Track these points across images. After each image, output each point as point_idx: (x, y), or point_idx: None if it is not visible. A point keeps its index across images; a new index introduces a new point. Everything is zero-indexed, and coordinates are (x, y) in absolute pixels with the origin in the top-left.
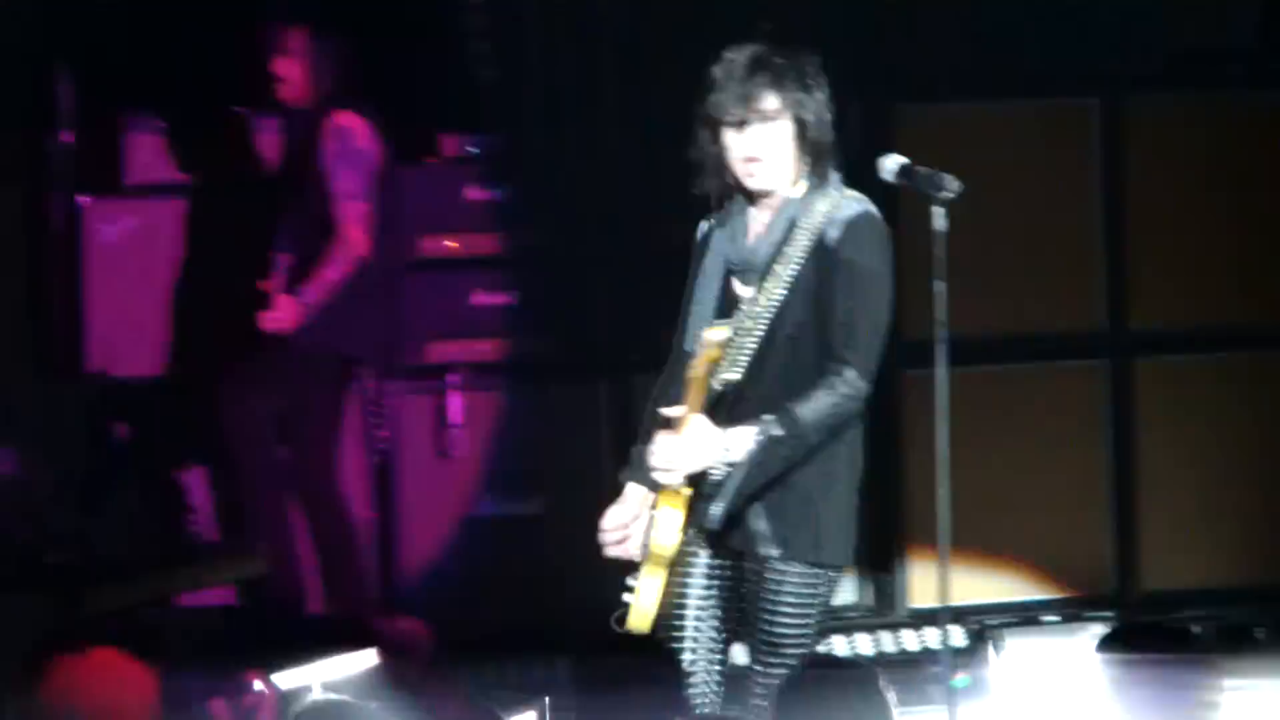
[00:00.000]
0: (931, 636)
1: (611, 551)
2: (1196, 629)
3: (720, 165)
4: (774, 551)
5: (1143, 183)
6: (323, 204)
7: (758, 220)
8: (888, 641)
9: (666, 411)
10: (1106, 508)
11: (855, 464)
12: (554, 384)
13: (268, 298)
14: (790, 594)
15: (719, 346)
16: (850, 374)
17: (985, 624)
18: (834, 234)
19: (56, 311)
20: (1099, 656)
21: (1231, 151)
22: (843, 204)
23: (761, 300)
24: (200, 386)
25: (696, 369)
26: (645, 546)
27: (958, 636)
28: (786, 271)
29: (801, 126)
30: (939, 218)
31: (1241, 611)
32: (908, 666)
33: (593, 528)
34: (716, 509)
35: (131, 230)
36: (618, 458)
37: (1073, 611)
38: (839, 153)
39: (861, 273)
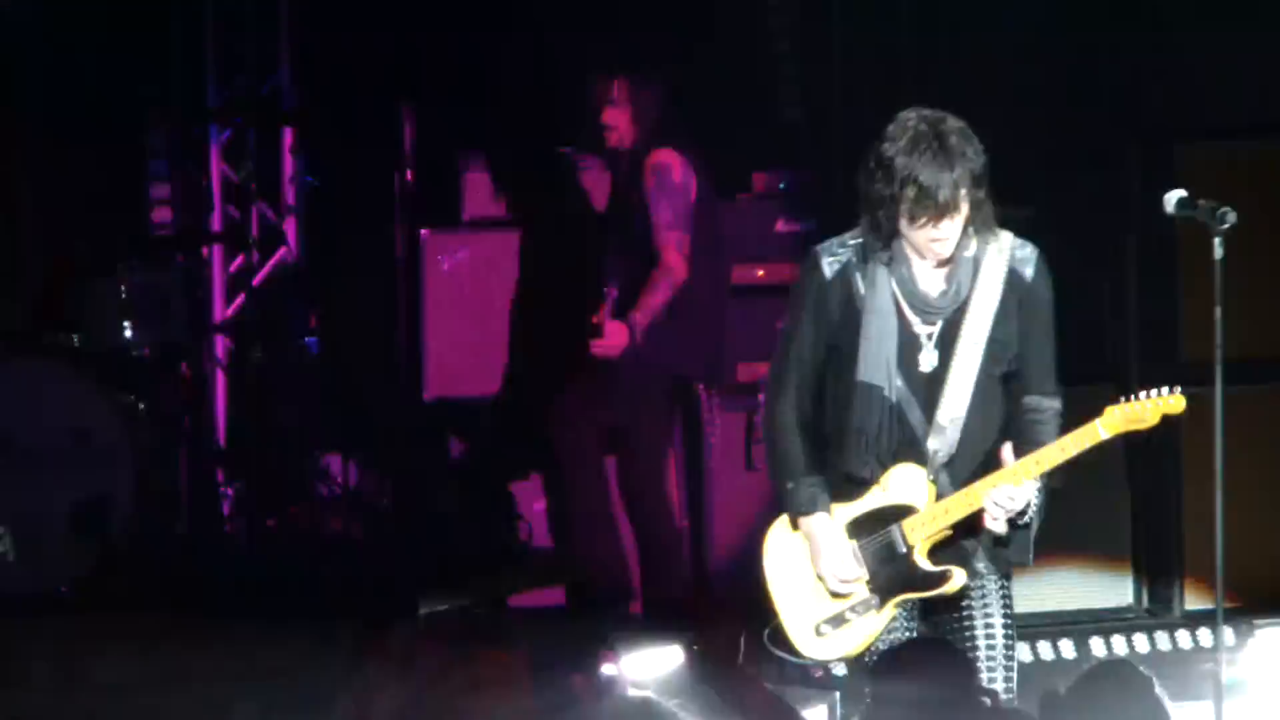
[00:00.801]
0: (1204, 636)
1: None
2: None
3: (895, 225)
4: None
5: None
6: (645, 235)
7: (927, 270)
8: (1162, 641)
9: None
10: None
11: None
12: None
13: (599, 325)
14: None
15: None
16: (1059, 404)
17: (1254, 624)
18: (1028, 271)
19: (401, 337)
20: None
21: None
22: (1016, 242)
23: (968, 338)
24: (534, 406)
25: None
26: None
27: (1229, 636)
28: (988, 308)
29: (977, 206)
30: (1218, 247)
31: None
32: (1180, 664)
33: None
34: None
35: (468, 261)
36: None
37: None
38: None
39: (1049, 306)
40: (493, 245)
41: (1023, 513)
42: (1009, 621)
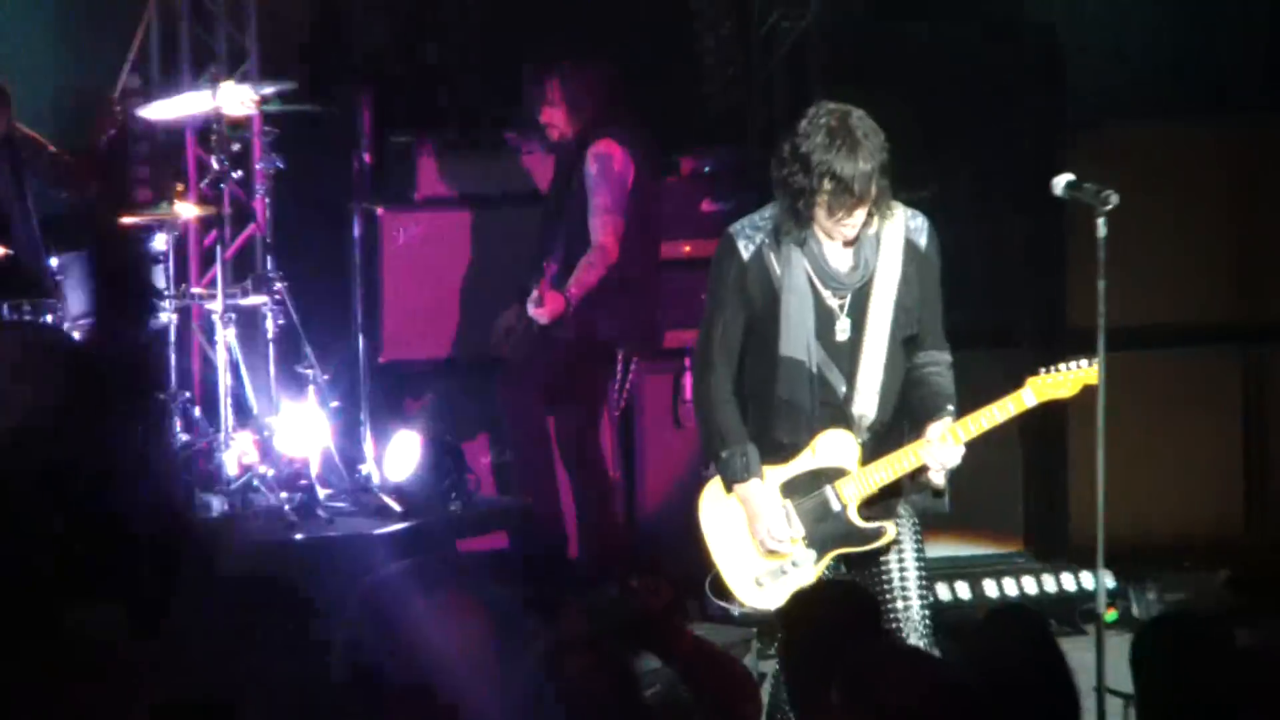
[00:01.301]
0: (1086, 579)
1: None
2: None
3: (811, 213)
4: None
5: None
6: (584, 217)
7: (835, 248)
8: (1049, 583)
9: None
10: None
11: None
12: None
13: (540, 295)
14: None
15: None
16: (950, 356)
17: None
18: (922, 240)
19: (362, 300)
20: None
21: None
22: (908, 213)
23: (876, 308)
24: (479, 367)
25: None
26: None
27: (1109, 578)
28: (891, 279)
29: (881, 190)
30: (1101, 226)
31: None
32: (1065, 604)
33: None
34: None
35: (420, 236)
36: None
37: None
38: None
39: (939, 270)
40: (444, 222)
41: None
42: (922, 559)
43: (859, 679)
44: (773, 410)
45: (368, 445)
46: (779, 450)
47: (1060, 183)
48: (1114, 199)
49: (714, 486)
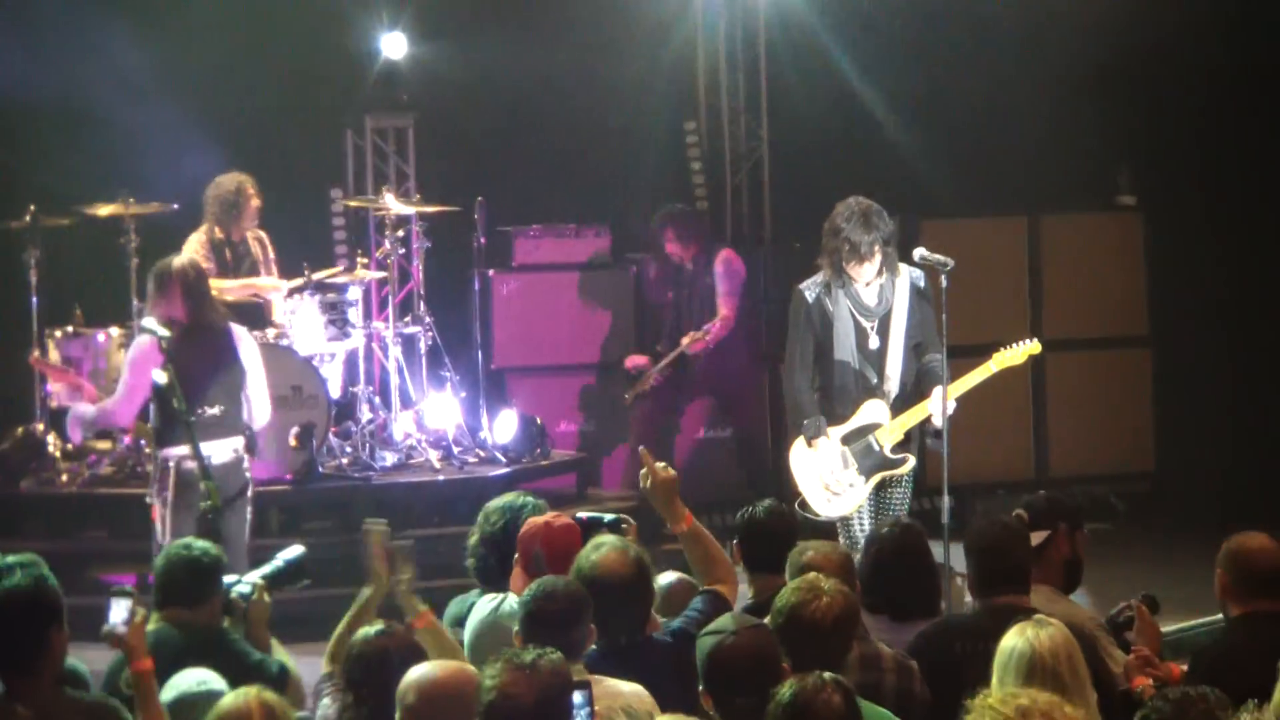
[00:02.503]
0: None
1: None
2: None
3: (843, 268)
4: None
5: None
6: (712, 295)
7: (868, 291)
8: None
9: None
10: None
11: None
12: None
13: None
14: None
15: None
16: (941, 356)
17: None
18: (921, 284)
19: (480, 329)
20: None
21: None
22: (912, 270)
23: (895, 328)
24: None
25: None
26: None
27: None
28: (903, 309)
29: (887, 255)
30: (944, 280)
31: None
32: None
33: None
34: (945, 438)
35: (517, 289)
36: None
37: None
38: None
39: (931, 303)
40: (531, 280)
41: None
42: (908, 494)
43: None
44: (833, 393)
45: (484, 419)
46: (837, 417)
47: (918, 252)
48: (951, 264)
49: (799, 443)
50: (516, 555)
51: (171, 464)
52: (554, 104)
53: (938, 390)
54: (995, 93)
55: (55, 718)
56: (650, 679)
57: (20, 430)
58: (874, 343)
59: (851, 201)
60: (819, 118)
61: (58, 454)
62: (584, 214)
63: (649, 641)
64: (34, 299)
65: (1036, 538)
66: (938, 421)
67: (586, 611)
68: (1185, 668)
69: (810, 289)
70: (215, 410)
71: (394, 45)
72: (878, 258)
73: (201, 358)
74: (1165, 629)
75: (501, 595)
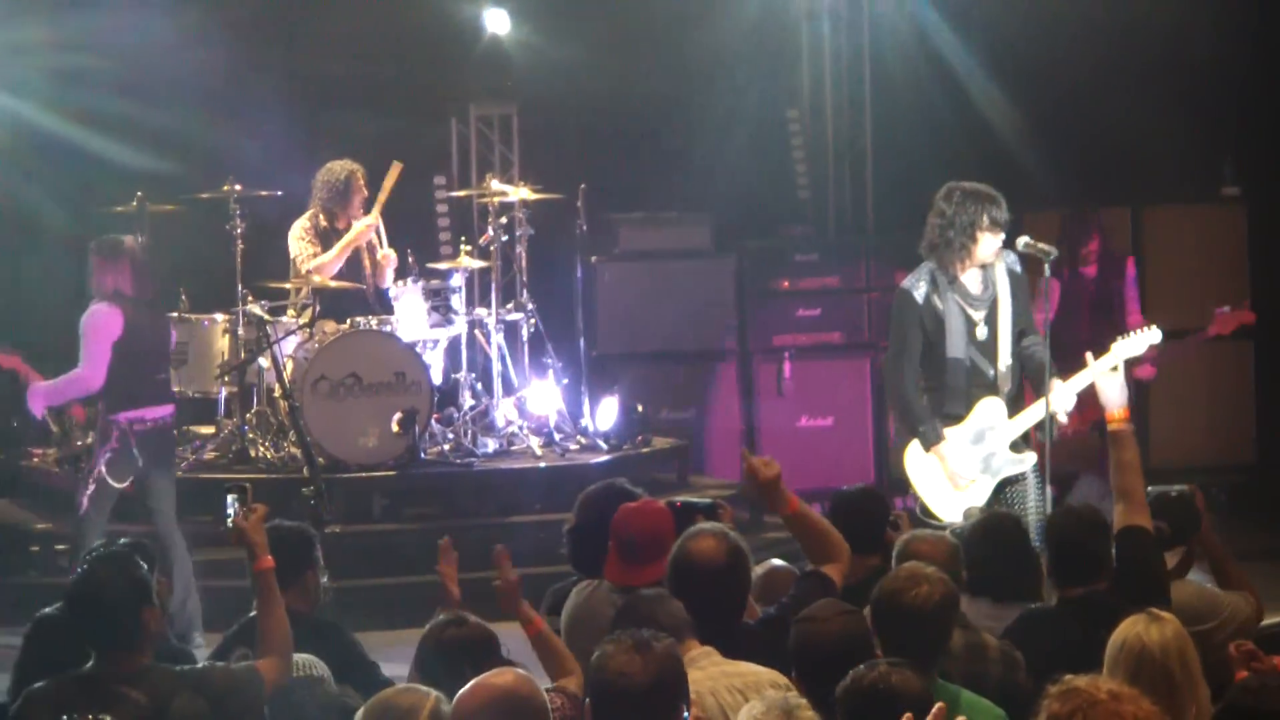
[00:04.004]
0: None
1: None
2: None
3: (966, 250)
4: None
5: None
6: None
7: (970, 278)
8: None
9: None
10: None
11: None
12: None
13: None
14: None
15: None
16: (1039, 335)
17: None
18: (1018, 268)
19: (583, 316)
20: None
21: None
22: (1006, 252)
23: (1002, 316)
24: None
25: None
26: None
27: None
28: (1007, 295)
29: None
30: (1046, 269)
31: None
32: None
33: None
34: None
35: (619, 275)
36: None
37: None
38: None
39: (1027, 284)
40: (634, 267)
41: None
42: (1041, 485)
43: None
44: (945, 392)
45: (586, 406)
46: (950, 418)
47: (1020, 241)
48: (1054, 253)
49: (914, 447)
50: (610, 542)
51: (121, 427)
52: (657, 92)
53: (1058, 385)
54: (1099, 84)
55: (160, 692)
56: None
57: None
58: (982, 333)
59: (959, 184)
60: (922, 110)
61: None
62: (686, 202)
63: (743, 628)
64: None
65: (1173, 556)
66: (1062, 418)
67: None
68: None
69: (917, 288)
70: (162, 376)
71: (498, 21)
72: (1000, 234)
73: (153, 328)
74: (1266, 621)
75: (596, 581)
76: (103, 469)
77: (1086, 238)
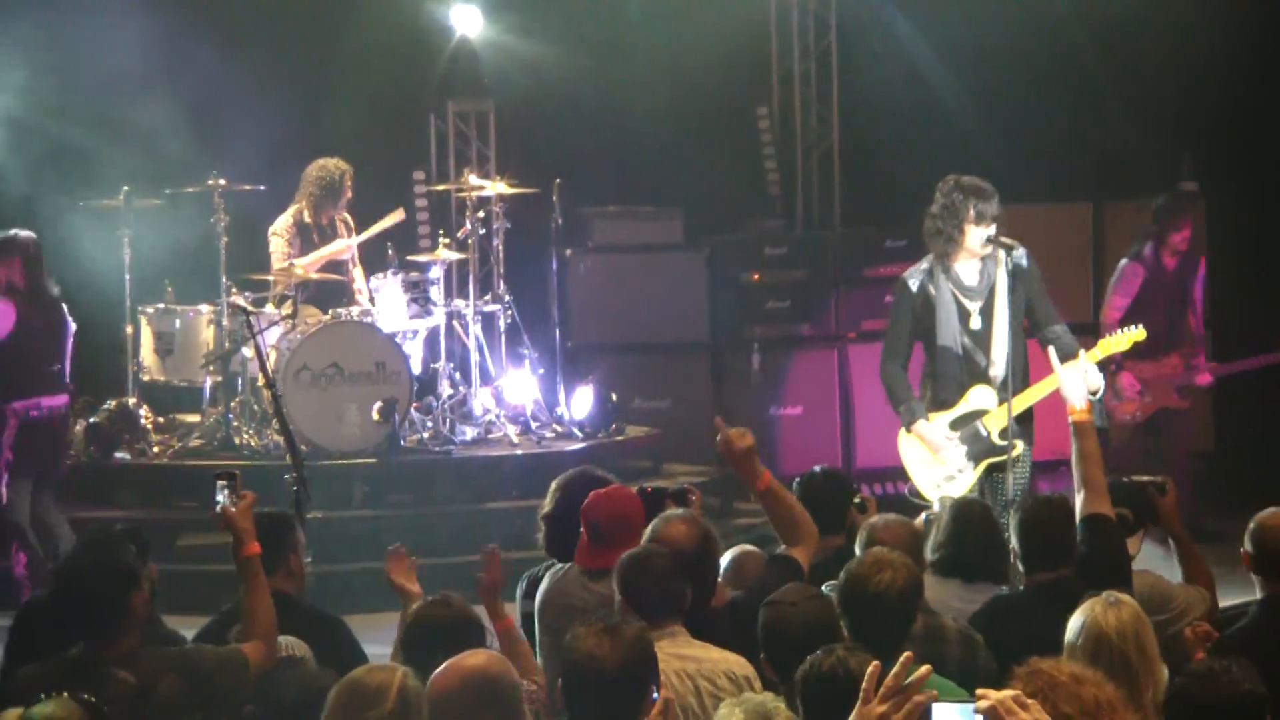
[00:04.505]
0: None
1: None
2: None
3: (954, 240)
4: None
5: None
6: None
7: (966, 269)
8: None
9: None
10: None
11: None
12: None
13: None
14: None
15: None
16: (1062, 325)
17: None
18: (1024, 261)
19: (558, 308)
20: None
21: None
22: (1009, 248)
23: (999, 308)
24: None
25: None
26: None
27: None
28: (1004, 288)
29: (995, 222)
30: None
31: None
32: None
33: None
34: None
35: (593, 267)
36: None
37: None
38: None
39: (1040, 278)
40: (607, 260)
41: (1098, 394)
42: (1026, 476)
43: None
44: (937, 379)
45: (561, 395)
46: (943, 403)
47: (985, 235)
48: (1019, 248)
49: (902, 432)
50: (581, 527)
51: (18, 415)
52: (629, 89)
53: (1068, 367)
54: (1062, 83)
55: (148, 673)
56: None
57: (114, 404)
58: (976, 323)
59: (956, 176)
60: (889, 106)
61: (150, 427)
62: (659, 196)
63: (712, 611)
64: (127, 276)
65: (1134, 542)
66: (1078, 403)
67: (677, 574)
68: None
69: (914, 277)
70: (57, 367)
71: (468, 21)
72: (989, 227)
73: (44, 319)
74: (1226, 603)
75: (566, 566)
76: (9, 456)
77: (1177, 227)
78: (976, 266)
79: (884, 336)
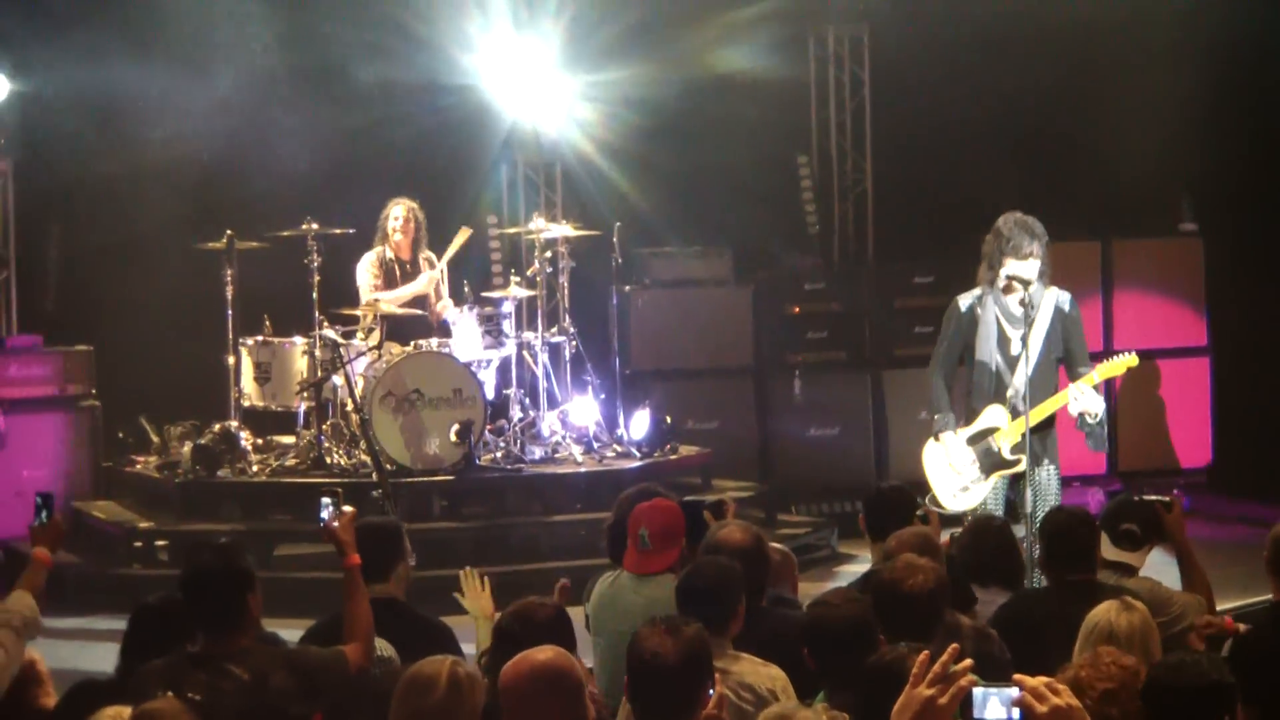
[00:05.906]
0: None
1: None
2: None
3: (995, 270)
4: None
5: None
6: None
7: (1014, 300)
8: None
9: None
10: None
11: None
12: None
13: None
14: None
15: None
16: (1088, 369)
17: None
18: (1066, 306)
19: (617, 339)
20: None
21: None
22: (1059, 291)
23: (1032, 336)
24: (684, 373)
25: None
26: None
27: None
28: (1045, 321)
29: (1041, 270)
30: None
31: None
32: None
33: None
34: (1103, 440)
35: (651, 301)
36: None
37: None
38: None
39: (1079, 323)
40: (662, 294)
41: (1098, 417)
42: (1055, 482)
43: None
44: (975, 391)
45: (621, 418)
46: (975, 413)
47: (1003, 272)
48: (1034, 282)
49: (929, 443)
50: (628, 536)
51: None
52: (681, 141)
53: (1071, 390)
54: (1075, 131)
55: (260, 669)
56: (764, 643)
57: (219, 426)
58: (1015, 349)
59: (1017, 213)
60: (918, 154)
61: (250, 448)
62: (709, 237)
63: (761, 609)
64: (229, 311)
65: (1143, 555)
66: (1074, 407)
67: (734, 586)
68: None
69: (965, 299)
70: None
71: (526, 101)
72: (1037, 262)
73: None
74: (1224, 606)
75: (617, 571)
76: None
77: None
78: (1016, 296)
79: (936, 348)
